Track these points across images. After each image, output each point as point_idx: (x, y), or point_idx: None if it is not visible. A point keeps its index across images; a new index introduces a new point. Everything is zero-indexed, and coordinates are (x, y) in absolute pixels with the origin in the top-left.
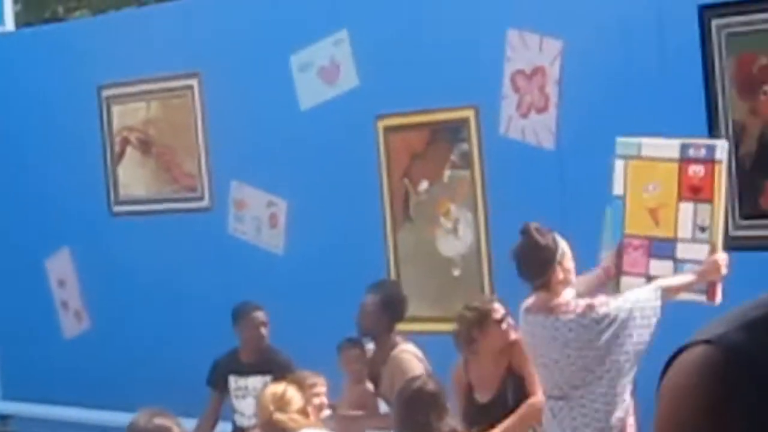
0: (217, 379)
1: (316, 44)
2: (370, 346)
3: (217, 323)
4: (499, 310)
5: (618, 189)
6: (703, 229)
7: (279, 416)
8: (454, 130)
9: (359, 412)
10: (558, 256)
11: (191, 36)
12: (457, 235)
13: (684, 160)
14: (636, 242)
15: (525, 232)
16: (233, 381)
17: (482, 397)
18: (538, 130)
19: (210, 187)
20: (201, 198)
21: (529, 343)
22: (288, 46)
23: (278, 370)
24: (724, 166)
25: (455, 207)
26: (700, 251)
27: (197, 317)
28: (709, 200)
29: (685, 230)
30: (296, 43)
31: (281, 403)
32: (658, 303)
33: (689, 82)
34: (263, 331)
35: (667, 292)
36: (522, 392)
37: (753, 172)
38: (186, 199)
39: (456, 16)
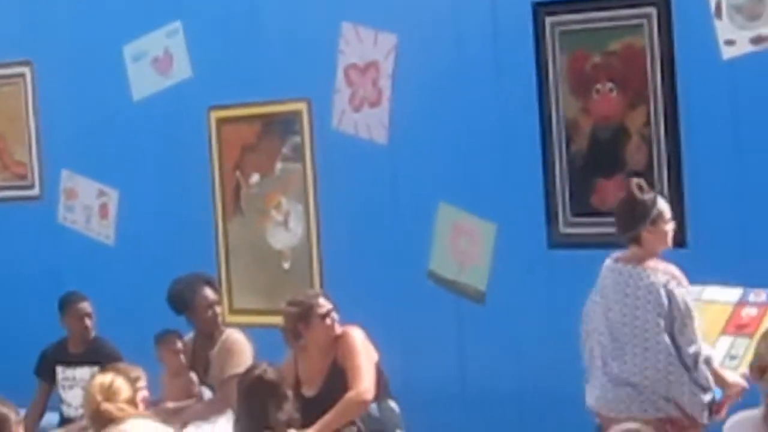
0: (45, 369)
1: (150, 35)
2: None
3: (46, 312)
4: (323, 305)
5: None
6: (733, 358)
7: (106, 406)
8: (287, 123)
9: (183, 403)
10: (651, 216)
11: (24, 24)
12: (287, 228)
13: (740, 303)
14: None
15: (626, 185)
16: (60, 371)
17: (308, 391)
18: (371, 124)
19: (41, 176)
20: (31, 186)
21: (600, 286)
22: (121, 36)
23: (106, 361)
24: None
25: (286, 200)
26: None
27: (27, 306)
28: (750, 335)
29: (716, 358)
30: (129, 34)
31: (108, 393)
32: (702, 353)
33: (522, 78)
34: (88, 322)
35: (709, 363)
36: (346, 386)
37: (584, 170)
38: (16, 187)
39: (290, 8)
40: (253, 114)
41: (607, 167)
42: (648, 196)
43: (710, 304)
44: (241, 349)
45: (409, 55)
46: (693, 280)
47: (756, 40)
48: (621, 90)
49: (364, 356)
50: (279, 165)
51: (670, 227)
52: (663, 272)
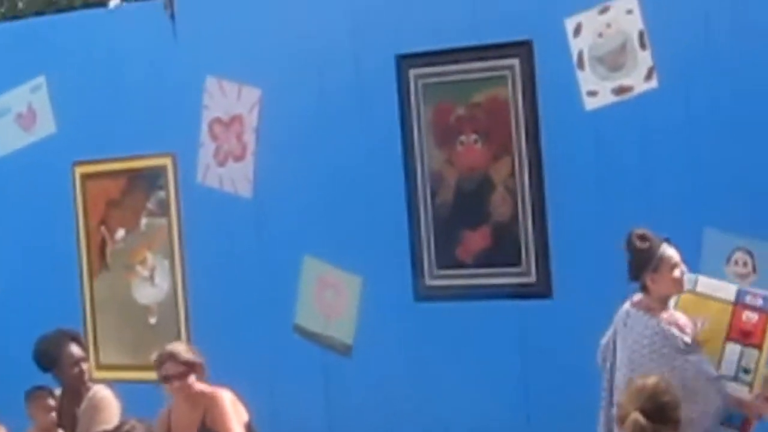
0: None
1: (13, 90)
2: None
3: None
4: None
5: None
6: (746, 371)
7: None
8: (152, 178)
9: None
10: (653, 264)
11: None
12: (153, 284)
13: (739, 304)
14: None
15: (627, 236)
16: None
17: None
18: (236, 178)
19: None
20: None
21: (618, 330)
22: None
23: None
24: None
25: (152, 255)
26: (740, 390)
27: None
28: (758, 347)
29: (729, 368)
30: None
31: None
32: (712, 377)
33: (387, 130)
34: None
35: (722, 388)
36: None
37: (450, 222)
38: None
39: (154, 63)
40: (118, 169)
41: (472, 219)
42: (646, 245)
43: (707, 299)
44: (107, 406)
45: (273, 109)
46: (559, 328)
47: (618, 91)
48: (485, 141)
49: (234, 420)
50: (144, 220)
51: (677, 272)
52: (667, 321)
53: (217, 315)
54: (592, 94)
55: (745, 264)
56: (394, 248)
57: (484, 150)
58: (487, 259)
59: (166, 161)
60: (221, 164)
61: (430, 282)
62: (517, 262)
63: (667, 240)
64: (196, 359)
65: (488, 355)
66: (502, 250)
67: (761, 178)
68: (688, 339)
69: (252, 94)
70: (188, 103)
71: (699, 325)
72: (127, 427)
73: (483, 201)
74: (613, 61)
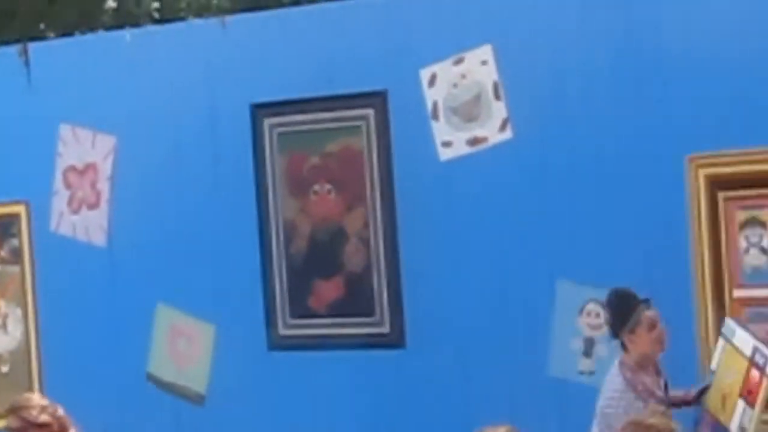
0: None
1: None
2: None
3: None
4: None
5: (714, 364)
6: (743, 430)
7: None
8: (5, 226)
9: None
10: (629, 324)
11: None
12: (5, 331)
13: (751, 361)
14: (708, 417)
15: (608, 294)
16: None
17: None
18: (90, 226)
19: None
20: None
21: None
22: None
23: None
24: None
25: (5, 303)
26: None
27: None
28: (752, 406)
29: (734, 425)
30: None
31: None
32: None
33: (241, 178)
34: None
35: None
36: None
37: (303, 271)
38: None
39: (8, 109)
40: None
41: (326, 268)
42: (624, 304)
43: (735, 353)
44: None
45: (128, 157)
46: (412, 378)
47: (472, 142)
48: (339, 191)
49: None
50: None
51: (655, 333)
52: (638, 383)
53: (70, 363)
54: (447, 144)
55: (597, 315)
56: (247, 297)
57: (338, 200)
58: (340, 309)
59: (20, 209)
60: (75, 212)
61: (283, 331)
62: (370, 313)
63: (647, 301)
64: (46, 419)
65: (340, 405)
66: (356, 300)
67: (613, 229)
68: (651, 400)
69: (107, 142)
70: (42, 151)
71: (728, 376)
72: None
73: (336, 251)
74: (468, 112)
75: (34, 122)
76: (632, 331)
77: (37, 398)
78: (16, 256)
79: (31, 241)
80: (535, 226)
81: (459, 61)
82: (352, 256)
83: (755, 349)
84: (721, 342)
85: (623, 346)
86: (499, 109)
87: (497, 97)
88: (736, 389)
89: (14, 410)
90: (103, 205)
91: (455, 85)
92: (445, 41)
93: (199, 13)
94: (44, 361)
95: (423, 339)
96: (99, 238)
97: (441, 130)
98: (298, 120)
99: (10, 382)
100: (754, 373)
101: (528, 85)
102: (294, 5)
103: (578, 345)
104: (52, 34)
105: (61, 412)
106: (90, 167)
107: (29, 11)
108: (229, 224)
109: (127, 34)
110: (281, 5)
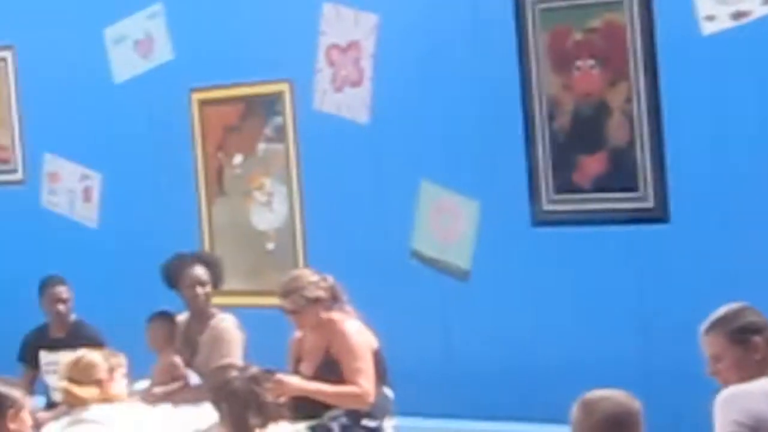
0: (28, 355)
1: (131, 17)
2: (181, 318)
3: (31, 297)
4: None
5: None
6: None
7: (70, 387)
8: (269, 104)
9: (170, 387)
10: None
11: (5, 9)
12: (271, 209)
13: None
14: None
15: None
16: (43, 356)
17: (306, 369)
18: (353, 104)
19: (24, 160)
20: (14, 170)
21: None
22: (103, 19)
23: (87, 345)
24: None
25: (269, 181)
26: None
27: (11, 291)
28: None
29: None
30: (111, 17)
31: (76, 372)
32: None
33: (503, 56)
34: (61, 307)
35: None
36: (340, 376)
37: (566, 147)
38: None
39: None
40: (236, 95)
41: (589, 144)
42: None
43: None
44: (230, 339)
45: (390, 35)
46: (675, 254)
47: (736, 15)
48: (602, 66)
49: (362, 352)
50: (262, 146)
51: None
52: None
53: (334, 240)
54: (710, 18)
55: None
56: (511, 173)
57: (601, 75)
58: (604, 184)
59: (284, 87)
60: (338, 90)
61: (547, 207)
62: (634, 188)
63: None
64: (320, 294)
65: (604, 281)
66: (619, 175)
67: None
68: None
69: (369, 20)
70: (305, 29)
71: None
72: (227, 375)
73: (600, 126)
74: None
75: (298, 1)
76: None
77: (307, 275)
78: (281, 134)
79: (295, 119)
80: None
81: None
82: (615, 131)
83: None
84: None
85: None
86: None
87: None
88: None
89: (287, 293)
90: (366, 82)
91: None
92: None
93: None
94: (309, 239)
95: (687, 214)
96: (362, 116)
97: (704, 4)
98: None
99: (275, 260)
100: None
101: None
102: None
103: None
104: None
105: (331, 280)
106: (353, 45)
107: None
108: (493, 100)
109: None
110: None
